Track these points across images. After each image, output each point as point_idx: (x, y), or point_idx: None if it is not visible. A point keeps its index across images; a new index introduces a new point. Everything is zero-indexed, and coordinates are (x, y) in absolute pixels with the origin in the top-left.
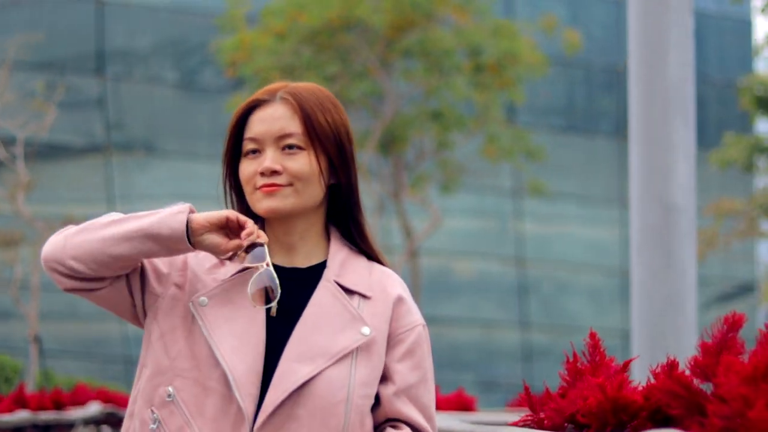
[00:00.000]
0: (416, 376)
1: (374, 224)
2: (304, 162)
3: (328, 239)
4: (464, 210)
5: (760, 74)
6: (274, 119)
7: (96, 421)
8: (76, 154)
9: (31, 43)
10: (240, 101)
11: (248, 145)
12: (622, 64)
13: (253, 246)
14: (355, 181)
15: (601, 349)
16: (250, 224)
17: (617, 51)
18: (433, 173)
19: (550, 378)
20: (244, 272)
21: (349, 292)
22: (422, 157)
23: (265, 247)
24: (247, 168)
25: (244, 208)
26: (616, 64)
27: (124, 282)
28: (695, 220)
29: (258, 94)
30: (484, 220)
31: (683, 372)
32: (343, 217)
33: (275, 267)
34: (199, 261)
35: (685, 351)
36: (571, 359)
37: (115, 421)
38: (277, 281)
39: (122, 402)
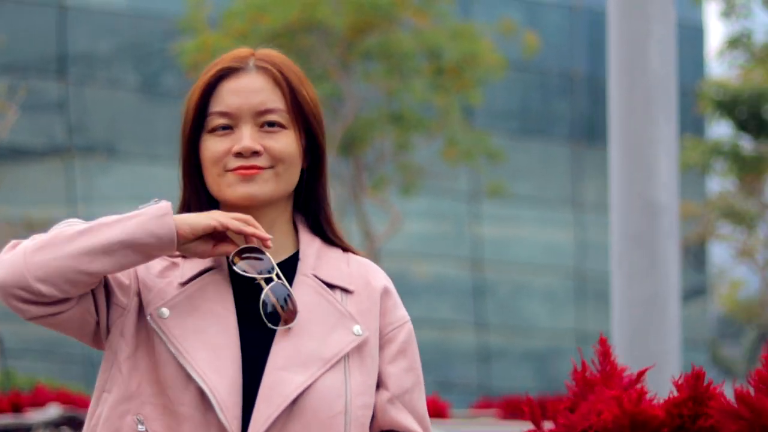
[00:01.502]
0: (411, 380)
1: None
2: (287, 142)
3: (296, 229)
4: (422, 212)
5: (719, 78)
6: (251, 91)
7: (56, 424)
8: (38, 156)
9: None
10: None
11: (216, 120)
12: (576, 69)
13: (249, 250)
14: (326, 164)
15: (612, 357)
16: (251, 221)
17: (570, 57)
18: (393, 176)
19: (507, 378)
20: (207, 273)
21: (329, 286)
22: (382, 160)
23: (270, 257)
24: (214, 146)
25: (202, 193)
26: (570, 69)
27: (90, 298)
28: (678, 219)
29: (225, 60)
30: (441, 223)
31: (744, 389)
32: (310, 204)
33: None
34: (147, 265)
35: (668, 354)
36: (579, 368)
37: (76, 423)
38: (294, 295)
39: (82, 404)
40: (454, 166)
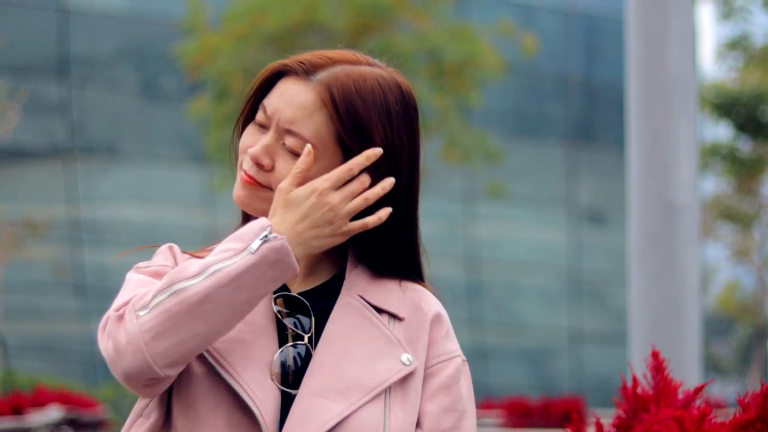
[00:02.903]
0: (450, 421)
1: None
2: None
3: (342, 254)
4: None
5: (715, 80)
6: (292, 102)
7: (56, 425)
8: (39, 157)
9: None
10: (199, 106)
11: (259, 113)
12: (571, 72)
13: (297, 304)
14: (406, 202)
15: (666, 372)
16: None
17: (565, 60)
18: None
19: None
20: None
21: (377, 310)
22: None
23: (312, 316)
24: (245, 138)
25: None
26: (564, 72)
27: None
28: (698, 219)
29: (295, 58)
30: (436, 222)
31: None
32: (375, 241)
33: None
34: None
35: (688, 360)
36: (629, 384)
37: (77, 424)
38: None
39: (83, 404)
40: (453, 166)
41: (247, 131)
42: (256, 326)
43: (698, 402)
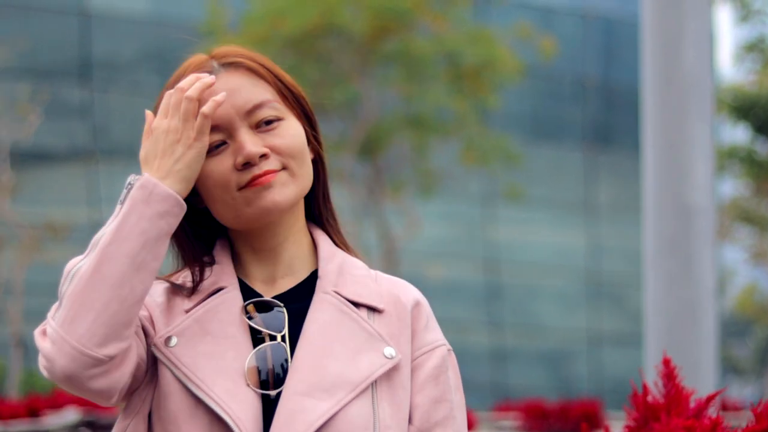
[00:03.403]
0: (442, 413)
1: (354, 230)
2: (290, 134)
3: (311, 238)
4: (437, 215)
5: (733, 83)
6: (231, 93)
7: (74, 427)
8: (61, 160)
9: (17, 50)
10: None
11: (211, 137)
12: (589, 76)
13: (267, 304)
14: (325, 155)
15: (677, 380)
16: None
17: (583, 63)
18: (412, 178)
19: (520, 378)
20: (217, 294)
21: (354, 305)
22: (401, 163)
23: (284, 311)
24: (216, 167)
25: (201, 236)
26: (582, 75)
27: (139, 340)
28: (714, 222)
29: (186, 74)
30: (456, 225)
31: None
32: (315, 204)
33: (251, 292)
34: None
35: (704, 363)
36: (639, 392)
37: (95, 427)
38: (289, 362)
39: (100, 407)
40: (472, 169)
41: (206, 169)
42: (226, 337)
43: (711, 410)
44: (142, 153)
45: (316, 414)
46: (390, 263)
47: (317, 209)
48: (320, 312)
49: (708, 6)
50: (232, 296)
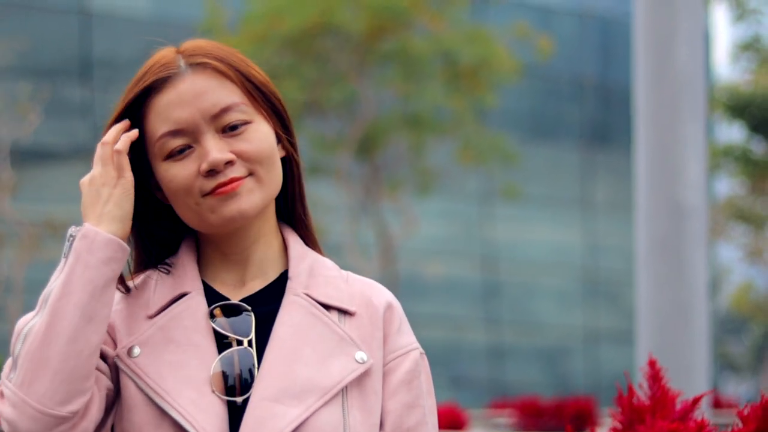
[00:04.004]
0: (415, 418)
1: (352, 228)
2: (258, 137)
3: (282, 238)
4: (435, 213)
5: (729, 82)
6: (197, 96)
7: None
8: (61, 158)
9: (18, 49)
10: None
11: (169, 143)
12: (586, 75)
13: (234, 308)
14: (298, 152)
15: (663, 382)
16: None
17: (581, 62)
18: (409, 177)
19: (517, 375)
20: (181, 300)
21: (325, 307)
22: (399, 162)
23: (252, 315)
24: (179, 172)
25: (162, 244)
26: (580, 75)
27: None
28: (707, 221)
29: (151, 72)
30: (453, 223)
31: None
32: (288, 204)
33: (218, 296)
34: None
35: (697, 363)
36: (624, 393)
37: None
38: (256, 368)
39: None
40: (469, 168)
41: (168, 173)
42: (191, 344)
43: (697, 412)
44: (81, 209)
45: (285, 421)
46: (387, 262)
47: (290, 209)
48: (290, 315)
49: (701, 5)
50: (196, 301)
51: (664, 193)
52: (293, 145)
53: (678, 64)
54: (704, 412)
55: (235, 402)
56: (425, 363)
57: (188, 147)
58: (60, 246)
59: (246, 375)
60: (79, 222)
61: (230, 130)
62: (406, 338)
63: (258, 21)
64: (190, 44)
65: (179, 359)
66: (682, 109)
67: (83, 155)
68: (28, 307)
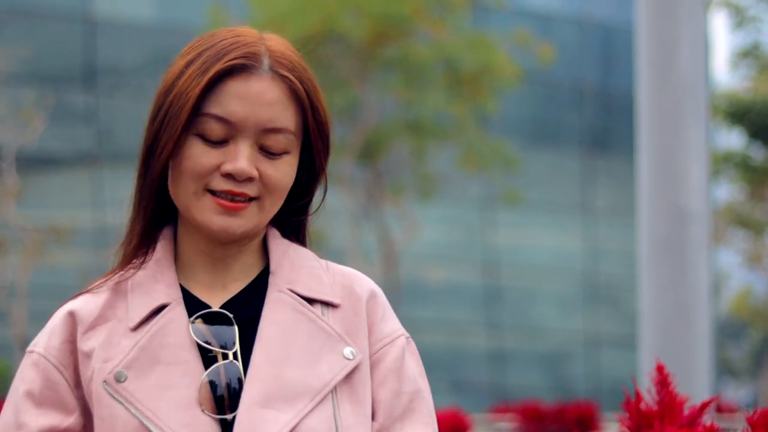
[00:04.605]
0: (404, 404)
1: (354, 233)
2: (286, 171)
3: (264, 240)
4: (437, 218)
5: (728, 89)
6: (262, 103)
7: None
8: (66, 164)
9: (23, 56)
10: None
11: (210, 124)
12: (586, 82)
13: (215, 316)
14: (320, 181)
15: (671, 387)
16: None
17: (581, 69)
18: (411, 183)
19: (518, 379)
20: (162, 312)
21: (309, 302)
22: (401, 167)
23: (235, 326)
24: (201, 157)
25: (151, 206)
26: (580, 81)
27: None
28: (709, 226)
29: (234, 52)
30: (455, 228)
31: None
32: (290, 215)
33: (197, 302)
34: (78, 322)
35: (699, 367)
36: (632, 398)
37: None
38: (244, 378)
39: None
40: (470, 173)
41: (191, 150)
42: (178, 363)
43: (705, 417)
44: None
45: (276, 427)
46: (390, 267)
47: (296, 224)
48: (275, 314)
49: (703, 11)
50: (177, 313)
51: (666, 197)
52: (318, 176)
53: (680, 69)
54: (712, 416)
55: (226, 419)
56: (412, 346)
57: (225, 141)
58: (64, 252)
59: (235, 384)
60: (82, 231)
61: (267, 149)
62: (391, 325)
63: (261, 28)
64: (277, 45)
65: (167, 380)
66: (684, 114)
67: (87, 161)
68: (33, 311)
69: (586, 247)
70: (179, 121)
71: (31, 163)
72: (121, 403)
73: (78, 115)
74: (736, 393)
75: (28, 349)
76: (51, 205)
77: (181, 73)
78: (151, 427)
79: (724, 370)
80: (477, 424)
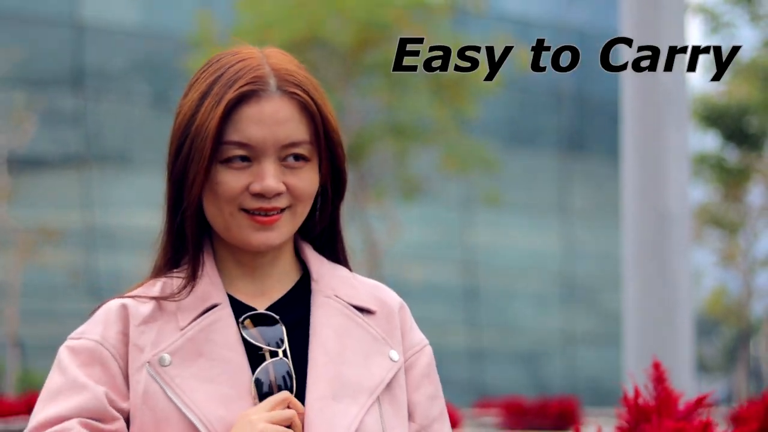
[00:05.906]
0: (438, 408)
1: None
2: (310, 178)
3: (295, 248)
4: (417, 219)
5: (703, 93)
6: (277, 122)
7: None
8: (55, 166)
9: (13, 59)
10: None
11: (233, 151)
12: (563, 86)
13: (262, 317)
14: (346, 187)
15: (667, 383)
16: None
17: (558, 74)
18: (393, 184)
19: (496, 376)
20: (210, 312)
21: (353, 307)
22: (384, 169)
23: (282, 326)
24: (231, 181)
25: (193, 230)
26: (557, 85)
27: None
28: (690, 228)
29: (242, 78)
30: (435, 229)
31: None
32: (324, 227)
33: (243, 306)
34: (131, 316)
35: (681, 363)
36: (630, 395)
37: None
38: (294, 378)
39: None
40: (451, 175)
41: (221, 177)
42: (221, 360)
43: (699, 412)
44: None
45: (348, 419)
46: (373, 266)
47: (327, 233)
48: (327, 317)
49: (683, 18)
50: (225, 313)
51: (649, 201)
52: (342, 182)
53: (663, 76)
54: (708, 411)
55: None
56: (432, 355)
57: (247, 159)
58: (54, 251)
59: (280, 382)
60: (71, 231)
61: (291, 159)
62: (419, 334)
63: (247, 34)
64: (280, 62)
65: (207, 374)
66: (666, 120)
67: (75, 163)
68: (25, 310)
69: (563, 247)
70: (204, 154)
71: (22, 164)
72: (161, 386)
73: (67, 117)
74: (710, 388)
75: (73, 336)
76: (41, 206)
77: (197, 107)
78: (187, 413)
79: (698, 366)
80: (462, 419)
